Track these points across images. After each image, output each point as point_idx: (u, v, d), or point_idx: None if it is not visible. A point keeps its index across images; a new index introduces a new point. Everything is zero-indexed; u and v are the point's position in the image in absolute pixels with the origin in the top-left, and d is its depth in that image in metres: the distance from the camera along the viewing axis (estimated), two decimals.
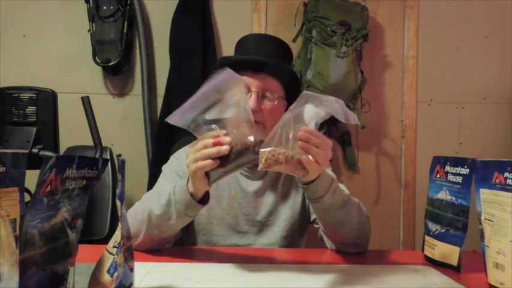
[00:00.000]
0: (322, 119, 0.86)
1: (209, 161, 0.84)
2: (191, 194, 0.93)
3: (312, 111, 0.85)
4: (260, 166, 0.82)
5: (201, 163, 0.85)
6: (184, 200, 0.93)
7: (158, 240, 1.03)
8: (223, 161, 0.85)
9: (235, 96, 0.84)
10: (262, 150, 0.82)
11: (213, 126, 0.87)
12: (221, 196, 1.20)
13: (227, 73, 0.85)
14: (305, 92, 0.85)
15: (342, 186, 1.05)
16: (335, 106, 0.85)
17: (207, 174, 0.88)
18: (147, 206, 1.00)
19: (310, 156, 0.84)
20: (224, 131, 0.85)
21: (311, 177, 0.91)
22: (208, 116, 0.85)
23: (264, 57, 1.14)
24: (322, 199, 0.95)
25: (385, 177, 2.33)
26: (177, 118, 0.85)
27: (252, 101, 1.10)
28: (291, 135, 0.83)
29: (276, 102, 1.14)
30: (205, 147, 0.85)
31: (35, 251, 0.54)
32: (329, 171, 1.07)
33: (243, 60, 1.16)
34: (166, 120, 0.86)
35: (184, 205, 0.94)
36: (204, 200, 0.95)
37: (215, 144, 0.84)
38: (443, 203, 0.97)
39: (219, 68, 1.17)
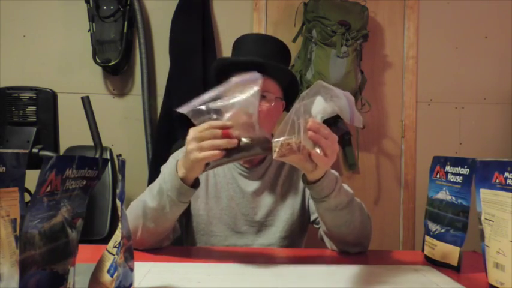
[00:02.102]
0: (328, 116, 0.85)
1: (217, 152, 0.84)
2: (182, 180, 0.92)
3: (320, 105, 0.84)
4: (274, 155, 0.82)
5: (208, 153, 0.84)
6: (175, 187, 0.93)
7: (156, 235, 1.02)
8: (228, 152, 0.85)
9: (246, 93, 0.83)
10: (275, 140, 0.82)
11: (213, 116, 0.86)
12: (220, 196, 1.20)
13: (251, 75, 0.85)
14: (319, 82, 0.84)
15: (346, 186, 1.05)
16: (343, 103, 0.84)
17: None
18: (141, 201, 1.01)
19: (318, 150, 0.84)
20: (229, 122, 0.84)
21: (319, 173, 0.90)
22: (212, 104, 0.84)
23: (261, 58, 1.14)
24: (327, 198, 0.95)
25: (385, 177, 2.33)
26: (187, 107, 0.85)
27: None
28: (301, 126, 0.82)
29: (273, 104, 1.14)
30: (214, 137, 0.84)
31: (35, 251, 0.54)
32: (332, 170, 1.07)
33: (240, 61, 1.15)
34: (177, 109, 0.85)
35: (177, 191, 0.93)
36: (196, 184, 0.95)
37: (224, 136, 0.83)
38: (443, 203, 0.97)
39: (216, 68, 1.18)
